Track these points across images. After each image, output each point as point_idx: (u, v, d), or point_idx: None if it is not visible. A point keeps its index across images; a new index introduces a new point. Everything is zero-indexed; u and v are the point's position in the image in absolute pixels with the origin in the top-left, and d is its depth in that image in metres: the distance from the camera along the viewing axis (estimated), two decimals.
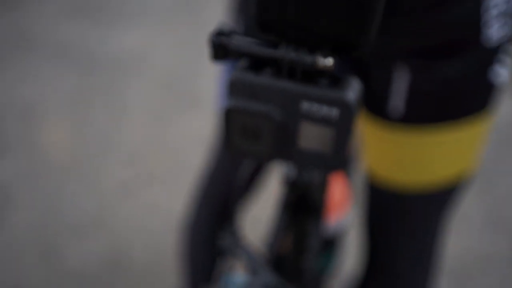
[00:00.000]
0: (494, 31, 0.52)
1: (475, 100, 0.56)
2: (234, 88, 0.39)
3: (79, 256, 1.26)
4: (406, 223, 0.66)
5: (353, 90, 0.37)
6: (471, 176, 0.66)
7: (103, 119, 1.59)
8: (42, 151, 1.49)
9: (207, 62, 1.78)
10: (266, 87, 0.38)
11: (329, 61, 0.36)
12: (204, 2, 2.04)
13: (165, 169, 1.46)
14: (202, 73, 1.75)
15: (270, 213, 1.36)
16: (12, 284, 1.21)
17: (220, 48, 0.39)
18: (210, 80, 1.72)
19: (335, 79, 0.38)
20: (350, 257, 1.27)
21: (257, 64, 0.39)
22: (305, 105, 0.38)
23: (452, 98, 0.55)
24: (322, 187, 0.54)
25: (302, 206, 0.54)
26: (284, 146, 0.41)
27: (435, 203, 0.64)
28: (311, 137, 0.39)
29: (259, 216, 1.34)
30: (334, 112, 0.37)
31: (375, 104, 0.60)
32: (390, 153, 0.61)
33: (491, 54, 0.53)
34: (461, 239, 1.31)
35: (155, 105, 1.64)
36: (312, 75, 0.38)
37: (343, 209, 0.82)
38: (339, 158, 0.39)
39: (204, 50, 1.82)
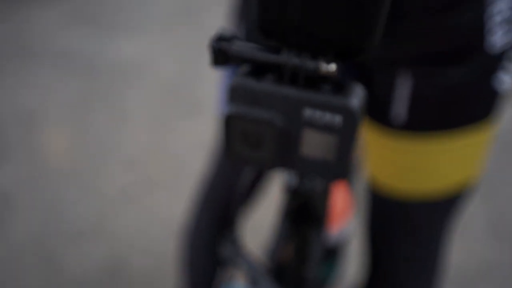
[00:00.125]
0: (497, 38, 0.51)
1: (479, 107, 0.55)
2: (235, 94, 0.38)
3: (79, 262, 1.25)
4: (409, 231, 0.65)
5: (356, 96, 0.37)
6: (475, 184, 0.65)
7: (103, 126, 1.58)
8: (42, 158, 1.49)
9: (207, 68, 1.78)
10: (268, 93, 0.37)
11: (332, 67, 0.36)
12: (205, 8, 2.04)
13: (165, 175, 1.45)
14: (203, 79, 1.75)
15: (271, 221, 1.35)
16: None
17: (221, 54, 0.38)
18: (210, 86, 1.72)
19: (338, 85, 0.37)
20: (352, 266, 1.26)
21: (258, 69, 0.39)
22: (308, 112, 0.37)
23: (455, 105, 0.54)
24: (324, 195, 0.53)
25: (304, 214, 0.53)
26: (286, 154, 0.40)
27: (438, 211, 0.64)
28: (314, 144, 0.38)
29: (260, 224, 1.34)
30: (337, 119, 0.36)
31: (378, 111, 0.59)
32: (393, 160, 0.60)
33: (495, 61, 0.53)
34: (463, 246, 1.30)
35: (156, 111, 1.63)
36: (315, 81, 0.37)
37: (345, 218, 0.81)
38: (342, 166, 0.39)
39: (205, 56, 1.82)
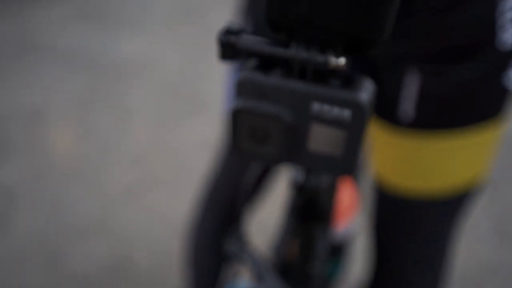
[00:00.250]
0: (509, 35, 0.51)
1: (488, 105, 0.55)
2: (242, 89, 0.38)
3: (82, 260, 1.26)
4: (415, 230, 0.65)
5: (366, 91, 0.36)
6: (483, 183, 0.65)
7: (107, 123, 1.58)
8: (46, 155, 1.49)
9: (210, 66, 1.78)
10: (276, 87, 0.37)
11: (341, 61, 0.35)
12: (207, 7, 2.04)
13: (168, 173, 1.45)
14: (205, 78, 1.74)
15: (277, 218, 1.35)
16: (16, 287, 1.20)
17: (228, 47, 0.38)
18: (214, 85, 1.72)
19: (347, 79, 0.37)
20: (358, 263, 1.26)
21: (266, 63, 0.38)
22: (316, 106, 0.36)
23: (464, 103, 0.54)
24: (331, 191, 0.53)
25: (310, 210, 0.53)
26: (293, 149, 0.40)
27: (445, 210, 0.63)
28: (322, 139, 0.38)
29: (266, 221, 1.33)
30: (346, 113, 0.36)
31: (385, 109, 0.59)
32: (400, 158, 0.60)
33: (506, 59, 0.52)
34: (468, 246, 1.30)
35: (159, 110, 1.63)
36: (324, 75, 0.37)
37: (351, 215, 0.81)
38: (350, 162, 0.38)
39: (208, 54, 1.82)
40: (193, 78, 1.74)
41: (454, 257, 1.28)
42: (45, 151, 1.50)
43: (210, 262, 0.79)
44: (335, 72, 0.36)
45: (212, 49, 1.84)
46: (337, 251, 0.82)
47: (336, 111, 0.36)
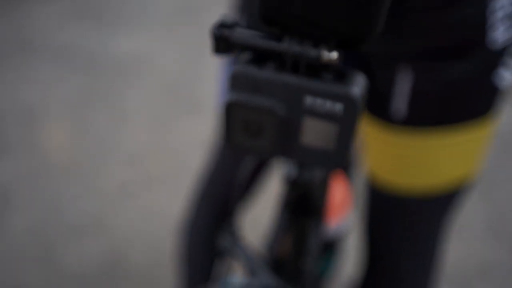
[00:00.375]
0: (499, 34, 0.51)
1: (479, 103, 0.55)
2: (236, 82, 0.38)
3: (78, 258, 1.26)
4: (407, 227, 0.65)
5: (358, 85, 0.37)
6: (474, 180, 0.65)
7: (104, 122, 1.58)
8: (42, 153, 1.49)
9: (209, 66, 1.78)
10: (269, 81, 0.37)
11: (333, 55, 0.36)
12: (205, 5, 2.04)
13: (165, 171, 1.46)
14: (203, 76, 1.75)
15: (270, 215, 1.35)
16: (12, 285, 1.20)
17: (222, 41, 0.38)
18: (210, 83, 1.72)
19: (339, 73, 0.37)
20: (350, 260, 1.27)
21: (260, 57, 0.39)
22: (309, 100, 0.37)
23: (456, 100, 0.55)
24: (323, 186, 0.53)
25: (302, 205, 0.54)
26: (286, 142, 0.40)
27: (437, 206, 0.64)
28: (314, 133, 0.38)
29: (259, 217, 1.34)
30: (338, 107, 0.36)
31: (378, 106, 0.59)
32: (392, 156, 0.60)
33: (496, 57, 0.53)
34: (462, 245, 1.31)
35: (156, 108, 1.63)
36: (316, 69, 0.37)
37: (344, 212, 0.81)
38: (342, 155, 0.39)
39: (205, 54, 1.82)
40: (192, 78, 1.74)
41: (448, 255, 1.29)
42: (41, 150, 1.50)
43: (204, 257, 0.79)
44: (327, 66, 0.36)
45: (209, 49, 1.85)
46: (330, 248, 0.83)
47: (329, 105, 0.37)
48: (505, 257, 1.28)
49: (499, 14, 0.51)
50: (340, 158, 0.39)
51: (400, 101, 0.56)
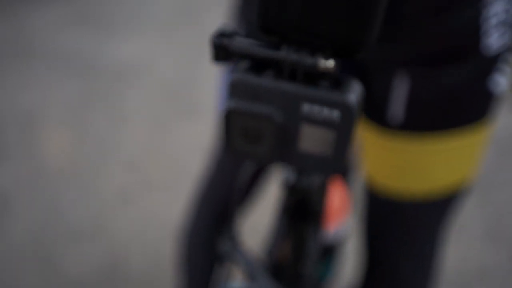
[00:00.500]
0: (493, 40, 0.52)
1: (474, 108, 0.56)
2: (235, 90, 0.39)
3: (77, 263, 1.26)
4: (405, 231, 0.66)
5: (354, 92, 0.37)
6: (470, 185, 0.66)
7: (103, 127, 1.59)
8: (41, 158, 1.49)
9: (206, 70, 1.78)
10: (268, 88, 0.38)
11: (330, 63, 0.36)
12: (204, 9, 2.05)
13: (164, 176, 1.46)
14: (202, 80, 1.75)
15: (269, 220, 1.35)
16: None
17: (221, 49, 0.39)
18: (209, 88, 1.73)
19: (336, 81, 0.38)
20: (349, 265, 1.27)
21: (258, 65, 0.39)
22: (306, 107, 0.38)
23: (451, 106, 0.55)
24: (322, 191, 0.54)
25: (301, 211, 0.54)
26: (284, 149, 0.41)
27: (434, 211, 0.64)
28: (312, 139, 0.39)
29: (258, 222, 1.34)
30: (335, 114, 0.37)
31: (375, 112, 0.60)
32: (390, 160, 0.61)
33: (491, 63, 0.54)
34: (460, 249, 1.31)
35: (155, 113, 1.64)
36: (314, 77, 0.38)
37: (342, 217, 0.82)
38: (339, 161, 0.39)
39: (204, 57, 1.83)
40: (189, 81, 1.75)
41: (445, 259, 1.29)
42: (41, 154, 1.50)
43: (203, 262, 0.79)
44: (324, 74, 0.37)
45: (208, 52, 1.85)
46: (329, 253, 0.83)
47: (326, 112, 0.37)
48: (503, 260, 1.29)
49: (493, 21, 0.51)
50: (337, 164, 0.40)
51: (397, 106, 0.57)
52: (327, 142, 0.39)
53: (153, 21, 1.99)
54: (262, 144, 0.40)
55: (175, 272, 1.25)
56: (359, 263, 1.28)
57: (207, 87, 1.72)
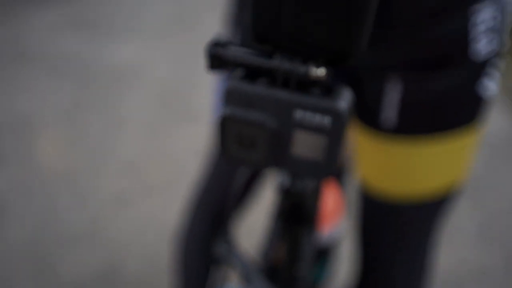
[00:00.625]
0: (482, 46, 0.53)
1: (464, 112, 0.57)
2: (230, 97, 0.40)
3: (74, 267, 1.26)
4: (399, 233, 0.67)
5: (344, 99, 0.39)
6: (462, 187, 0.67)
7: (99, 132, 1.59)
8: (37, 163, 1.49)
9: (203, 74, 1.79)
10: (261, 96, 0.39)
11: (321, 71, 0.38)
12: (198, 14, 2.06)
13: (161, 180, 1.46)
14: (198, 85, 1.76)
15: (264, 223, 1.36)
16: None
17: (216, 58, 0.40)
18: (205, 92, 1.73)
19: (327, 88, 0.39)
20: (344, 267, 1.28)
21: (252, 73, 0.41)
22: (299, 114, 0.39)
23: (442, 109, 0.56)
24: (315, 195, 0.55)
25: (295, 214, 0.55)
26: (278, 154, 0.42)
27: (427, 213, 0.65)
28: (304, 145, 0.40)
29: (254, 226, 1.35)
30: (326, 120, 0.38)
31: (368, 115, 0.61)
32: (383, 163, 0.62)
33: (480, 68, 0.55)
34: (455, 251, 1.32)
35: (150, 117, 1.64)
36: (306, 84, 0.39)
37: (336, 219, 0.82)
38: (331, 165, 0.40)
39: (199, 62, 1.84)
40: (185, 86, 1.75)
41: (441, 260, 1.30)
42: (37, 159, 1.51)
43: (199, 265, 0.80)
44: (316, 82, 0.38)
45: (204, 56, 1.86)
46: (323, 255, 0.84)
47: (317, 118, 0.38)
48: (497, 262, 1.30)
49: (481, 27, 0.53)
50: (329, 168, 0.41)
51: (390, 110, 0.58)
52: (319, 147, 0.40)
53: (150, 26, 2.00)
54: (256, 150, 0.41)
55: (172, 276, 1.25)
56: (353, 265, 1.29)
57: (204, 90, 1.73)
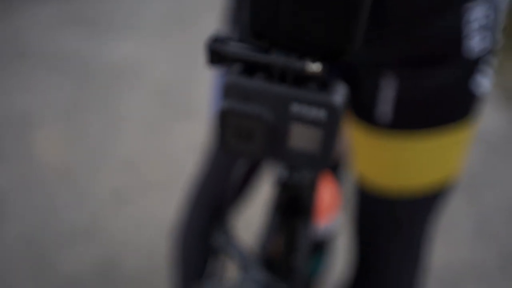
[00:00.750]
0: (475, 43, 0.55)
1: (458, 108, 0.58)
2: (229, 91, 0.41)
3: (72, 264, 1.26)
4: (393, 227, 0.68)
5: (339, 93, 0.40)
6: (456, 182, 0.68)
7: (98, 128, 1.59)
8: (36, 160, 1.49)
9: (202, 71, 1.80)
10: (259, 90, 0.41)
11: (317, 67, 0.39)
12: (197, 12, 2.06)
13: (159, 177, 1.47)
14: (197, 82, 1.76)
15: (262, 216, 1.37)
16: None
17: (216, 54, 0.41)
18: (203, 89, 1.74)
19: (323, 83, 0.41)
20: (340, 261, 1.28)
21: (250, 68, 0.42)
22: (295, 107, 0.40)
23: (436, 106, 0.58)
24: (312, 188, 0.57)
25: (292, 207, 0.56)
26: (275, 146, 0.43)
27: (421, 208, 0.66)
28: (301, 137, 0.42)
29: (251, 218, 1.36)
30: (322, 113, 0.40)
31: (364, 111, 0.62)
32: (378, 158, 0.63)
33: (473, 65, 0.56)
34: (450, 247, 1.33)
35: (149, 114, 1.65)
36: (302, 79, 0.41)
37: (333, 213, 0.84)
38: (326, 157, 0.42)
39: (197, 59, 1.84)
40: (184, 83, 1.76)
41: (437, 257, 1.30)
42: (35, 156, 1.51)
43: (197, 258, 0.81)
44: (312, 76, 0.40)
45: (203, 54, 1.87)
46: (319, 248, 0.85)
47: (313, 112, 0.40)
48: (492, 257, 1.31)
49: (474, 25, 0.54)
50: (324, 160, 0.42)
51: (385, 106, 0.59)
52: (315, 139, 0.41)
53: (148, 23, 2.01)
54: (254, 142, 0.43)
55: (170, 269, 1.26)
56: (349, 258, 1.30)
57: (203, 88, 1.73)
